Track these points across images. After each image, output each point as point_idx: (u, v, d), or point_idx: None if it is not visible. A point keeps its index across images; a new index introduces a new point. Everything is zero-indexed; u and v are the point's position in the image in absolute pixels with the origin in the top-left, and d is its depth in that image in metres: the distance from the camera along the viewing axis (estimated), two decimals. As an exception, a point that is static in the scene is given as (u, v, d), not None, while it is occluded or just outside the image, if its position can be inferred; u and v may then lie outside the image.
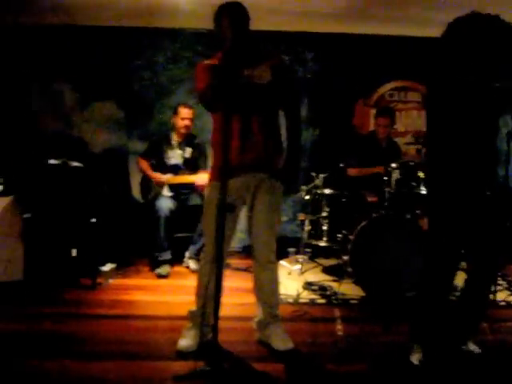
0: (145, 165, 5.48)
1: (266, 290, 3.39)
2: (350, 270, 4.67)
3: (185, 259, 5.44)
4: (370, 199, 5.20)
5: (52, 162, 4.85)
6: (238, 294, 4.36)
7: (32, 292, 4.55)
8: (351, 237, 4.66)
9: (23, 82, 6.23)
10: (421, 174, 4.65)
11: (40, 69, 6.23)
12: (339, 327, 3.82)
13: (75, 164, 4.94)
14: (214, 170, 3.31)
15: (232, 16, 3.07)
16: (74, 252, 4.83)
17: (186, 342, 3.34)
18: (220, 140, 3.17)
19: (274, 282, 3.42)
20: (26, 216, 4.77)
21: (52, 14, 5.70)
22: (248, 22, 3.14)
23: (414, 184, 4.68)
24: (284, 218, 6.28)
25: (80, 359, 3.24)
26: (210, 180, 3.35)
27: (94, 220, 4.92)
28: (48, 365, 3.15)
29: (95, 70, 6.28)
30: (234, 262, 5.29)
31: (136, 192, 5.88)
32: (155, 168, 5.46)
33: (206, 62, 3.24)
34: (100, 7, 5.51)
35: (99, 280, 4.81)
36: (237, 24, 3.06)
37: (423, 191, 4.61)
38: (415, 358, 3.17)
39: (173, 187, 5.34)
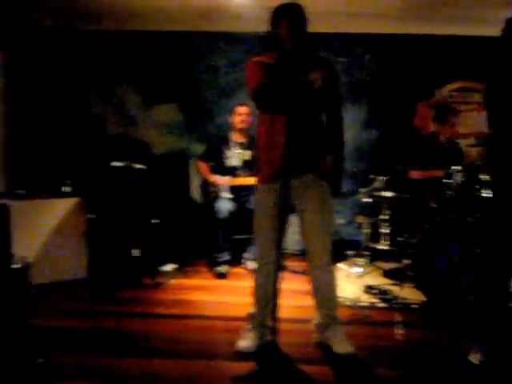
0: (204, 167, 5.55)
1: (323, 292, 3.35)
2: (411, 274, 4.60)
3: (243, 260, 5.48)
4: (431, 202, 5.10)
5: (116, 164, 4.98)
6: (296, 296, 4.36)
7: (95, 290, 4.69)
8: (413, 240, 4.59)
9: (88, 86, 6.43)
10: (484, 177, 4.53)
11: (104, 74, 6.43)
12: (399, 332, 3.76)
13: (138, 166, 5.05)
14: (263, 172, 3.30)
15: (291, 17, 3.06)
16: (136, 252, 4.94)
17: (246, 342, 3.35)
18: (268, 142, 3.19)
19: (331, 284, 3.38)
20: (90, 216, 4.92)
21: (114, 21, 5.87)
22: (306, 24, 3.12)
23: (476, 187, 4.56)
24: (342, 221, 6.23)
25: (140, 356, 3.32)
26: (259, 183, 3.35)
27: (155, 221, 5.02)
28: (109, 361, 3.24)
29: (158, 74, 6.43)
30: (291, 264, 5.28)
31: (196, 194, 5.96)
32: (214, 170, 5.51)
33: (257, 59, 3.22)
34: (162, 12, 5.62)
35: (160, 280, 4.91)
36: (296, 26, 3.06)
37: (486, 194, 4.49)
38: (475, 358, 3.10)
39: (232, 189, 5.38)
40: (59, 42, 6.18)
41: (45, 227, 4.73)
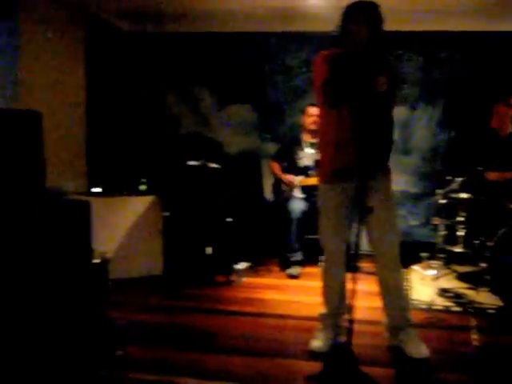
0: (276, 167, 5.59)
1: (392, 292, 3.30)
2: (487, 277, 4.47)
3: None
4: (509, 204, 4.93)
5: (191, 163, 5.09)
6: (370, 297, 4.32)
7: (170, 287, 4.82)
8: (490, 243, 4.46)
9: (164, 88, 6.60)
10: None
11: (180, 75, 6.57)
12: (475, 337, 3.66)
13: (213, 165, 5.15)
14: (327, 172, 3.28)
15: (368, 16, 2.99)
16: (209, 250, 5.03)
17: (318, 343, 3.36)
18: (335, 141, 3.17)
19: (400, 284, 3.32)
20: (165, 214, 5.05)
21: (190, 23, 6.00)
22: (382, 23, 3.04)
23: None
24: (415, 222, 6.12)
25: (212, 352, 3.39)
26: (322, 182, 3.34)
27: (229, 219, 5.10)
28: (183, 355, 3.34)
29: (231, 74, 6.51)
30: (365, 265, 5.24)
31: (268, 193, 6.01)
32: (287, 170, 5.54)
33: (326, 52, 3.20)
34: (236, 14, 5.69)
35: (233, 278, 4.99)
36: (371, 24, 2.99)
37: None
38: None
39: (305, 189, 5.39)
40: (137, 45, 6.38)
41: (122, 224, 4.90)
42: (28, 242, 2.90)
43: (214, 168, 5.15)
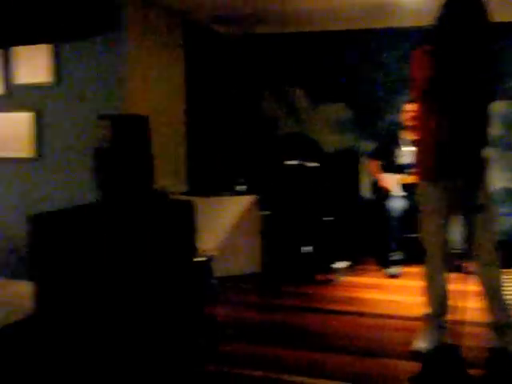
0: (374, 166, 5.54)
1: (494, 289, 3.20)
2: None
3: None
4: None
5: (290, 162, 5.16)
6: (472, 297, 4.19)
7: (269, 285, 4.89)
8: None
9: (260, 88, 6.70)
10: None
11: (275, 76, 6.65)
12: None
13: (311, 164, 5.19)
14: (428, 169, 3.22)
15: (470, 7, 2.89)
16: (308, 248, 5.07)
17: (422, 343, 3.31)
18: (436, 137, 3.11)
19: (500, 282, 3.21)
20: (264, 213, 5.14)
21: (283, 23, 6.07)
22: (486, 14, 2.91)
23: None
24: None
25: (317, 350, 3.43)
26: (423, 180, 3.28)
27: (328, 218, 5.12)
28: (288, 353, 3.40)
29: (326, 73, 6.52)
30: (465, 264, 5.10)
31: (366, 192, 5.97)
32: (385, 168, 5.48)
33: (426, 46, 3.12)
34: (329, 12, 5.68)
35: (332, 277, 5.00)
36: (475, 16, 2.89)
37: None
38: None
39: (404, 187, 5.31)
40: (233, 47, 6.52)
41: (223, 223, 5.03)
42: (140, 241, 3.05)
43: (311, 167, 5.19)
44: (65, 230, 3.08)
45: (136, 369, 2.96)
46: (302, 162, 5.17)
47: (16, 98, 4.95)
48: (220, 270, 4.84)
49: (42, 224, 3.12)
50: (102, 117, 3.18)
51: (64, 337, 3.14)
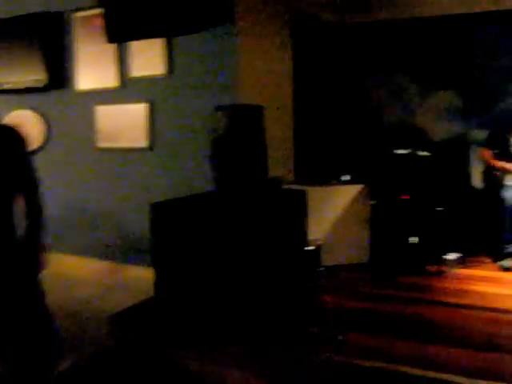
0: (487, 155, 5.34)
1: None
2: None
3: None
4: None
5: (400, 151, 5.07)
6: None
7: (378, 275, 4.85)
8: None
9: (367, 76, 6.61)
10: None
11: (382, 63, 6.54)
12: None
13: (422, 153, 5.07)
14: None
15: None
16: (415, 239, 4.98)
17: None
18: None
19: None
20: (372, 203, 5.09)
21: (390, 10, 5.96)
22: None
23: None
24: None
25: (432, 343, 3.38)
26: None
27: (439, 209, 5.00)
28: (403, 344, 3.37)
29: (435, 60, 6.33)
30: None
31: (478, 181, 5.77)
32: (498, 157, 5.27)
33: None
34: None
35: (443, 268, 4.89)
36: None
37: None
38: None
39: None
40: (339, 35, 6.46)
41: (331, 212, 5.03)
42: (255, 229, 3.12)
43: (422, 156, 5.08)
44: (184, 218, 3.21)
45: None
46: (413, 151, 5.05)
47: (130, 90, 5.15)
48: (327, 258, 4.86)
49: (163, 212, 3.26)
50: (219, 107, 3.27)
51: (180, 320, 3.27)
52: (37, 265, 2.47)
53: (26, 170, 2.50)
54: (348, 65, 6.60)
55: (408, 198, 4.97)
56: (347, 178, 5.27)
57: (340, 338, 3.34)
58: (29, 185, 2.51)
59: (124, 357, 3.23)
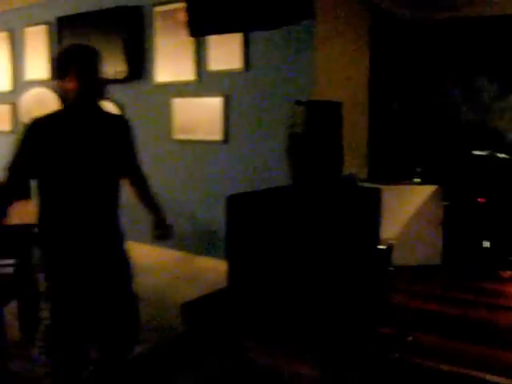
0: None
1: None
2: None
3: None
4: None
5: (477, 153, 4.95)
6: None
7: (449, 277, 4.76)
8: None
9: (444, 76, 6.46)
10: None
11: (460, 63, 6.37)
12: None
13: (501, 155, 4.94)
14: None
15: None
16: (487, 243, 4.85)
17: None
18: None
19: None
20: (445, 204, 4.98)
21: (471, 6, 5.79)
22: None
23: None
24: None
25: (506, 349, 3.30)
26: None
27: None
28: (475, 349, 3.30)
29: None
30: None
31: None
32: None
33: None
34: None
35: (516, 274, 4.76)
36: None
37: None
38: None
39: None
40: (417, 33, 6.34)
41: (403, 212, 4.95)
42: (330, 225, 3.12)
43: (501, 158, 4.94)
44: (259, 211, 3.24)
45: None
46: (492, 153, 4.92)
47: (207, 83, 5.24)
48: (398, 258, 4.79)
49: (239, 204, 3.30)
50: (298, 102, 3.28)
51: (252, 313, 3.31)
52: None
53: (136, 154, 3.04)
54: (426, 63, 6.47)
55: (485, 200, 4.85)
56: (418, 178, 5.19)
57: (409, 338, 3.30)
58: (138, 165, 3.10)
59: (196, 344, 3.31)
